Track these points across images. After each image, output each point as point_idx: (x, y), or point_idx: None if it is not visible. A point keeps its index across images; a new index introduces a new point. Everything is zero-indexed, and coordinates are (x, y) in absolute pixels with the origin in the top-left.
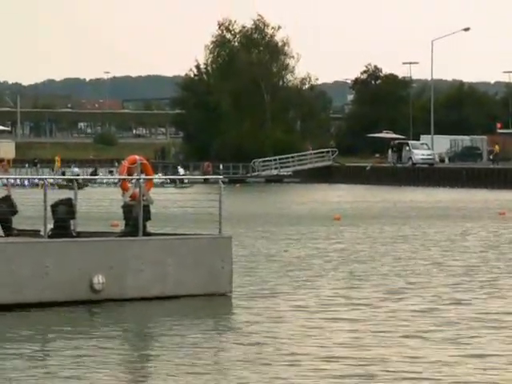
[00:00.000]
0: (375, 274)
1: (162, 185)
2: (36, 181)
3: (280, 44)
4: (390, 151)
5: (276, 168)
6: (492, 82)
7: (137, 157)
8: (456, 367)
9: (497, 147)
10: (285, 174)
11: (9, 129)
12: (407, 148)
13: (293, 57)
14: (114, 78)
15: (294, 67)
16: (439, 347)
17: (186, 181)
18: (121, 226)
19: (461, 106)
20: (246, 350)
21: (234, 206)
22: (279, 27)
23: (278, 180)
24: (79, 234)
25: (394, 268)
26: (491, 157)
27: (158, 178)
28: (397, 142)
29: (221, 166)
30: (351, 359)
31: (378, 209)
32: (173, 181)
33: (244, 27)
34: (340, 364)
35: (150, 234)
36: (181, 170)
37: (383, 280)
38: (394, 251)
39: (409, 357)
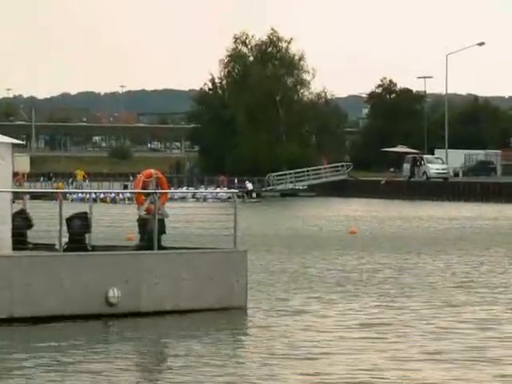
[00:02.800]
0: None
1: (229, 199)
2: (102, 195)
3: (296, 58)
4: (404, 165)
5: (291, 182)
6: (506, 96)
7: (152, 171)
8: None
9: None
10: (300, 188)
11: (23, 142)
12: (422, 162)
13: (308, 72)
14: (129, 91)
15: (309, 82)
16: None
17: (254, 194)
18: (136, 239)
19: (475, 120)
20: (259, 366)
21: (250, 221)
22: (291, 39)
23: (293, 194)
24: (94, 248)
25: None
26: None
27: (173, 191)
28: (411, 156)
29: (235, 180)
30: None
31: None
32: (241, 196)
33: (259, 41)
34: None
35: (164, 248)
36: (249, 185)
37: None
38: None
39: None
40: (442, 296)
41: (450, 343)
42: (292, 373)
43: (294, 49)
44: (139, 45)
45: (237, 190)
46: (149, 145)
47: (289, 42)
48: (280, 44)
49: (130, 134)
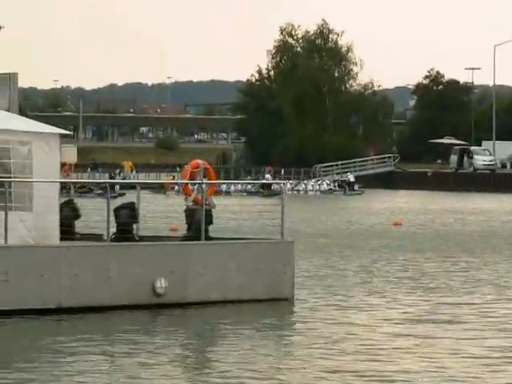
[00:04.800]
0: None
1: (330, 191)
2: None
3: (344, 50)
4: (451, 157)
5: (338, 173)
6: None
7: (200, 161)
8: None
9: None
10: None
11: (71, 133)
12: (471, 155)
13: (355, 63)
14: (176, 82)
15: (356, 73)
16: None
17: (356, 187)
18: (181, 229)
19: None
20: (306, 357)
21: (297, 213)
22: (343, 32)
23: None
24: (141, 238)
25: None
26: None
27: (221, 182)
28: (458, 147)
29: (282, 171)
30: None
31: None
32: (342, 187)
33: (308, 32)
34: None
35: (211, 239)
36: (351, 177)
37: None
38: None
39: None
40: None
41: None
42: (337, 369)
43: (343, 40)
44: (186, 36)
45: (285, 181)
46: (195, 136)
47: (339, 35)
48: (331, 36)
49: (176, 125)
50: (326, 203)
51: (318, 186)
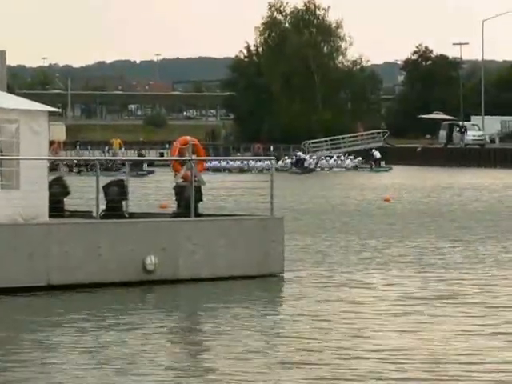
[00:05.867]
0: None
1: (355, 168)
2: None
3: (333, 25)
4: (440, 132)
5: (327, 149)
6: None
7: (188, 138)
8: None
9: None
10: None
11: (59, 110)
12: (457, 129)
13: (345, 39)
14: (164, 59)
15: (345, 49)
16: None
17: (382, 163)
18: (171, 206)
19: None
20: (294, 330)
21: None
22: (329, 7)
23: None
24: (131, 215)
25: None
26: None
27: (210, 159)
28: (447, 122)
29: (271, 148)
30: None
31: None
32: (369, 164)
33: (296, 8)
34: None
35: (201, 215)
36: (376, 154)
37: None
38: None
39: None
40: None
41: None
42: (325, 347)
43: (332, 17)
44: (174, 12)
45: (273, 157)
46: (184, 113)
47: (326, 10)
48: (317, 12)
49: (165, 102)
50: (315, 179)
51: (340, 162)
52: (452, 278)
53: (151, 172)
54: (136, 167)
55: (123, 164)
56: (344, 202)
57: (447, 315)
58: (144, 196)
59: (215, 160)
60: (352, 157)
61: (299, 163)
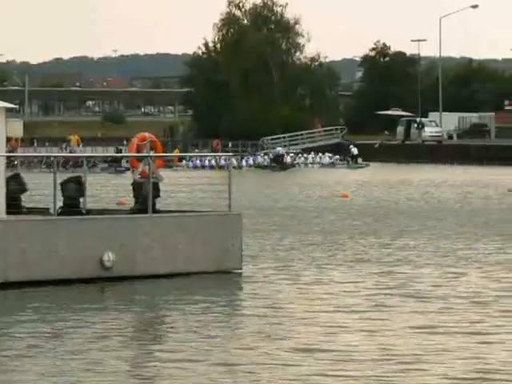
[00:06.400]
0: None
1: (332, 165)
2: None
3: (291, 22)
4: (398, 128)
5: (285, 145)
6: (500, 58)
7: (146, 134)
8: None
9: None
10: (294, 151)
11: (16, 107)
12: (415, 125)
13: (303, 36)
14: (122, 56)
15: (303, 46)
16: None
17: (360, 160)
18: (129, 203)
19: (469, 83)
20: (251, 325)
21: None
22: (287, 4)
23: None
24: (89, 212)
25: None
26: None
27: (168, 155)
28: (405, 119)
29: (230, 144)
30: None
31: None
32: (345, 161)
33: (254, 5)
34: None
35: (159, 212)
36: (354, 150)
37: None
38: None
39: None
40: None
41: None
42: (281, 344)
43: (290, 13)
44: (131, 8)
45: (232, 154)
46: (142, 109)
47: (284, 7)
48: (275, 8)
49: (123, 98)
50: (269, 176)
51: (318, 159)
52: (409, 274)
53: (129, 168)
54: (115, 163)
55: (99, 161)
56: (304, 198)
57: (403, 312)
58: (113, 192)
59: (173, 156)
60: (330, 154)
61: (278, 160)
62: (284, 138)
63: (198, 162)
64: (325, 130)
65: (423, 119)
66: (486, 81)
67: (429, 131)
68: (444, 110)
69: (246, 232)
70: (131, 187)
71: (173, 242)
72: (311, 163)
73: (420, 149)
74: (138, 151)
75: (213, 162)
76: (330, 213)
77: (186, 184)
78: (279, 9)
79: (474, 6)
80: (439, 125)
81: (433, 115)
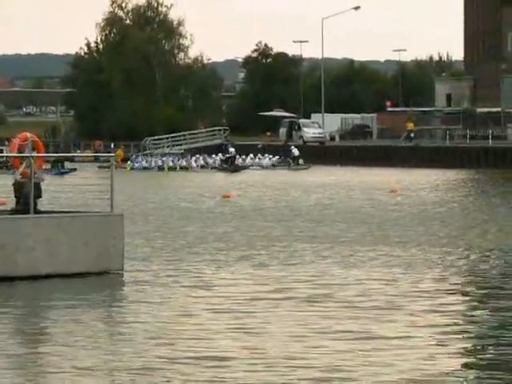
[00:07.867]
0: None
1: (273, 167)
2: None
3: (175, 23)
4: (280, 129)
5: (168, 146)
6: (382, 60)
7: (28, 134)
8: None
9: (411, 125)
10: (176, 152)
11: None
12: (296, 127)
13: (186, 37)
14: (4, 55)
15: (187, 47)
16: None
17: (301, 161)
18: (10, 203)
19: (351, 84)
20: (129, 326)
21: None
22: (171, 5)
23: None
24: None
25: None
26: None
27: (50, 155)
28: (287, 120)
29: (112, 145)
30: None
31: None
32: (286, 162)
33: (138, 5)
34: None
35: (40, 212)
36: (295, 151)
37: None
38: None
39: None
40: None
41: None
42: (156, 350)
43: (174, 15)
44: (13, 8)
45: (113, 154)
46: (24, 109)
47: (169, 8)
48: (160, 9)
49: (4, 98)
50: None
51: (258, 160)
52: (294, 276)
53: (73, 170)
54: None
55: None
56: (191, 200)
57: (286, 315)
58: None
59: (54, 156)
60: (271, 155)
61: (229, 161)
62: (167, 138)
63: (143, 163)
64: (207, 131)
65: (305, 120)
66: (367, 82)
67: (311, 132)
68: (327, 112)
69: (131, 234)
70: (12, 187)
71: (54, 242)
72: (251, 165)
73: (302, 150)
74: (20, 151)
75: (159, 163)
76: (223, 214)
77: (79, 185)
78: (164, 9)
79: (356, 8)
80: (321, 126)
81: (315, 116)
